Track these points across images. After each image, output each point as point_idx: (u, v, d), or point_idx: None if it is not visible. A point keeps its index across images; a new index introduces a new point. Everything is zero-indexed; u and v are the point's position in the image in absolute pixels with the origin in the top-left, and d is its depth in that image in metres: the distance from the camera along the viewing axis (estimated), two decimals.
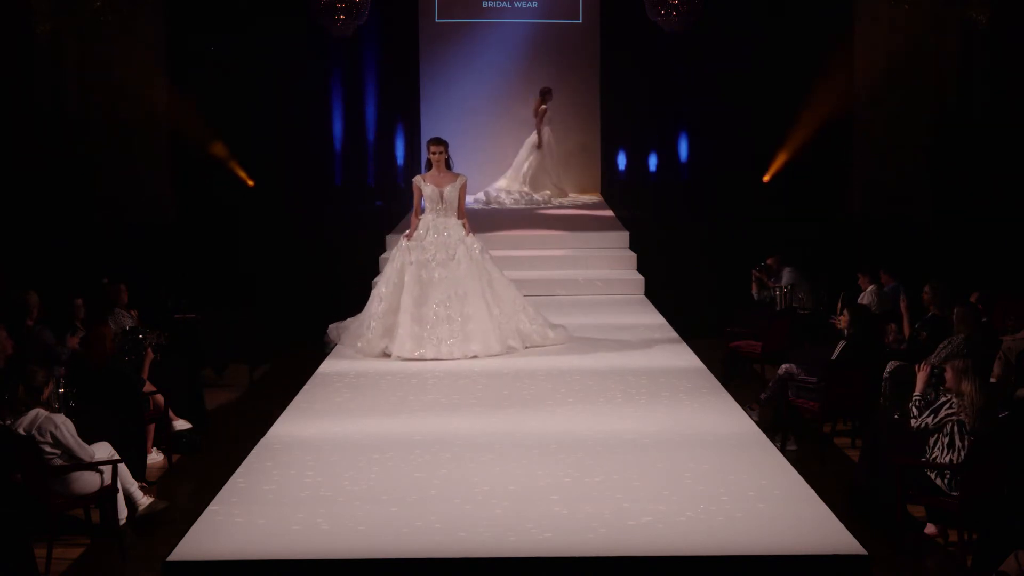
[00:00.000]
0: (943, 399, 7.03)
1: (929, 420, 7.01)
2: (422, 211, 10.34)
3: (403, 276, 9.97)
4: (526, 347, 10.10)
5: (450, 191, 10.17)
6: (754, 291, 12.93)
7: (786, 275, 12.59)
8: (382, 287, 10.15)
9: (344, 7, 15.71)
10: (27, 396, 6.93)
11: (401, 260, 10.09)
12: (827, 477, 7.93)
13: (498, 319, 10.01)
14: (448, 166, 10.24)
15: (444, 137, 10.55)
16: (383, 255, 14.20)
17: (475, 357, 9.70)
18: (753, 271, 12.97)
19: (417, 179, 10.37)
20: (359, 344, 10.06)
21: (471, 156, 17.12)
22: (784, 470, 6.59)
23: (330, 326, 10.71)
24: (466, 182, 10.36)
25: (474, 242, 10.25)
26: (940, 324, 9.65)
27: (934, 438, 7.03)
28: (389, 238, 14.71)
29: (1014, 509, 6.28)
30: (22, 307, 9.52)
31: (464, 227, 10.24)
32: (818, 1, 17.30)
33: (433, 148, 10.25)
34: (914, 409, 7.13)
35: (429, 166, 10.32)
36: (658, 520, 5.75)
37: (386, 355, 9.83)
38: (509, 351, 9.92)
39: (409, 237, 10.20)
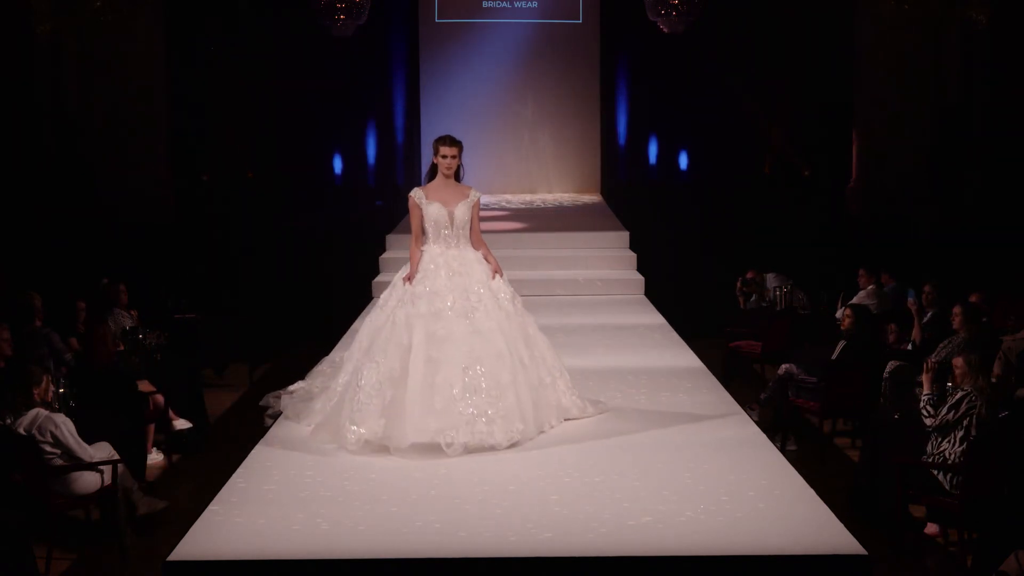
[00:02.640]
0: (959, 394, 7.02)
1: (950, 416, 7.00)
2: (425, 239, 7.56)
3: (410, 334, 7.12)
4: (561, 423, 7.55)
5: (462, 211, 7.44)
6: (741, 304, 12.89)
7: (771, 280, 12.60)
8: (377, 355, 7.14)
9: (344, 7, 15.75)
10: (27, 396, 6.93)
11: (405, 312, 7.24)
12: (827, 477, 7.92)
13: (536, 389, 7.36)
14: (458, 176, 7.56)
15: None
16: (383, 255, 14.20)
17: (514, 445, 6.97)
18: (737, 286, 12.91)
19: (416, 194, 7.46)
20: (333, 431, 7.15)
21: (470, 157, 17.02)
22: (784, 470, 6.59)
23: (272, 397, 8.35)
24: (479, 200, 7.61)
25: (502, 284, 7.53)
26: (946, 324, 9.64)
27: (945, 435, 7.01)
28: (389, 238, 14.71)
29: (1014, 509, 6.28)
30: (27, 308, 9.52)
31: (488, 261, 7.55)
32: (818, 1, 17.33)
33: (444, 150, 7.43)
34: (929, 408, 7.11)
35: (432, 175, 7.57)
36: (658, 520, 5.75)
37: (384, 447, 6.89)
38: (545, 430, 7.33)
39: (410, 279, 7.41)
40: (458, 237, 7.46)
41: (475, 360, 7.06)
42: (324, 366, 8.39)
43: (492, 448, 6.83)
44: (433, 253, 7.43)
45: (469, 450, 6.80)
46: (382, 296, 7.57)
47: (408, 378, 6.97)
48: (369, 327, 7.47)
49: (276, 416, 7.98)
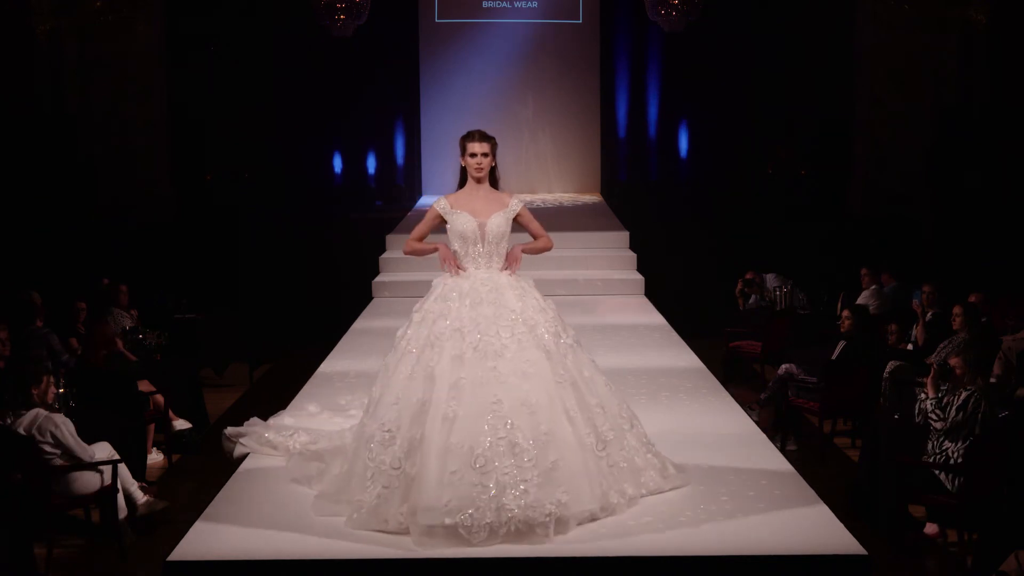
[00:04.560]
0: (965, 393, 7.02)
1: (959, 417, 7.00)
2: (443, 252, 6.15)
3: (431, 387, 5.63)
4: (643, 495, 5.89)
5: (498, 224, 6.07)
6: (741, 305, 12.90)
7: (770, 280, 12.62)
8: (387, 419, 5.68)
9: (344, 7, 15.75)
10: (27, 396, 6.94)
11: (426, 362, 5.75)
12: (827, 477, 7.93)
13: (592, 448, 5.71)
14: (494, 181, 6.21)
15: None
16: (383, 255, 14.18)
17: (558, 521, 5.41)
18: (738, 287, 12.92)
19: (440, 204, 6.10)
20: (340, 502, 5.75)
21: None
22: (784, 470, 6.58)
23: (249, 428, 7.03)
24: (525, 208, 6.22)
25: (542, 314, 5.98)
26: (947, 324, 9.66)
27: (955, 437, 7.01)
28: (389, 238, 14.69)
29: (1014, 509, 6.28)
30: (27, 308, 9.53)
31: (524, 286, 6.08)
32: (818, 1, 17.34)
33: (473, 147, 6.10)
34: (938, 412, 7.09)
35: (462, 181, 6.19)
36: (658, 520, 5.74)
37: (400, 529, 5.47)
38: (612, 509, 5.66)
39: (451, 265, 6.05)
40: (491, 255, 6.05)
41: (503, 415, 5.52)
42: (283, 419, 7.33)
43: (527, 524, 5.35)
44: (458, 276, 6.04)
45: (495, 531, 5.31)
46: (399, 331, 6.03)
47: (424, 445, 5.49)
48: (383, 374, 5.95)
49: (240, 456, 6.86)
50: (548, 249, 6.39)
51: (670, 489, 6.02)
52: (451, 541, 5.30)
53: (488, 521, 5.30)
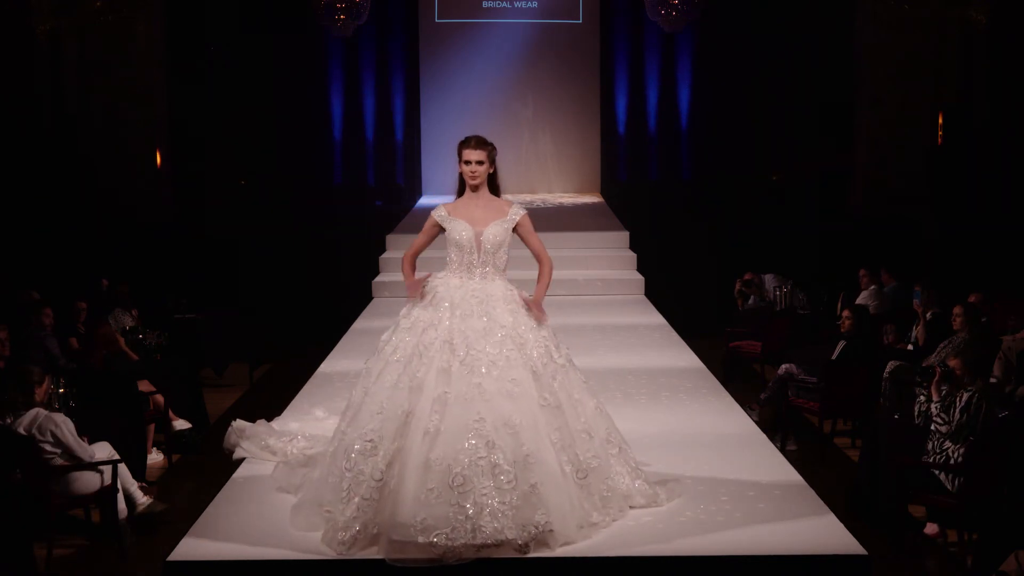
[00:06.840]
0: (967, 395, 7.02)
1: (963, 419, 7.00)
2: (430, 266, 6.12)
3: (416, 398, 5.48)
4: (629, 509, 5.76)
5: (496, 233, 5.88)
6: (740, 305, 12.90)
7: (769, 280, 12.62)
8: (369, 428, 5.51)
9: (344, 7, 15.75)
10: (27, 396, 6.94)
11: (412, 372, 5.58)
12: (827, 477, 7.93)
13: (572, 475, 5.55)
14: (494, 188, 5.99)
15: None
16: (383, 255, 14.19)
17: (539, 543, 5.25)
18: (737, 287, 12.93)
19: (439, 213, 5.93)
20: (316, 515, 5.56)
21: None
22: (784, 470, 6.58)
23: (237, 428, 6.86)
24: (525, 218, 6.02)
25: (533, 332, 5.77)
26: (946, 324, 9.66)
27: (959, 439, 7.01)
28: (389, 238, 14.70)
29: (1014, 509, 6.28)
30: (29, 308, 9.54)
31: (518, 301, 5.87)
32: (818, 1, 17.36)
33: (468, 154, 5.87)
34: (943, 415, 7.08)
35: (461, 188, 5.99)
36: (658, 520, 5.74)
37: (371, 545, 5.29)
38: (590, 531, 5.48)
39: (419, 292, 5.85)
40: (486, 265, 5.84)
41: (484, 434, 5.35)
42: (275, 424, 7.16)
43: (502, 547, 5.19)
44: (450, 285, 5.81)
45: (468, 554, 5.13)
46: (384, 335, 5.87)
47: (402, 457, 5.37)
48: (364, 379, 5.79)
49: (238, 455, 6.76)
50: (551, 274, 6.14)
51: (654, 507, 5.85)
52: (424, 561, 5.11)
53: (462, 542, 5.13)
